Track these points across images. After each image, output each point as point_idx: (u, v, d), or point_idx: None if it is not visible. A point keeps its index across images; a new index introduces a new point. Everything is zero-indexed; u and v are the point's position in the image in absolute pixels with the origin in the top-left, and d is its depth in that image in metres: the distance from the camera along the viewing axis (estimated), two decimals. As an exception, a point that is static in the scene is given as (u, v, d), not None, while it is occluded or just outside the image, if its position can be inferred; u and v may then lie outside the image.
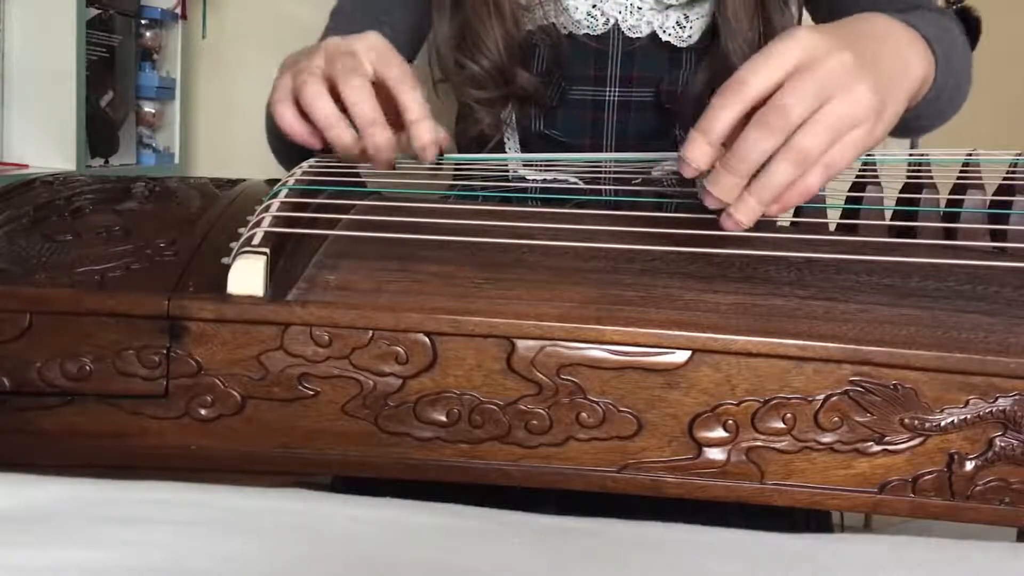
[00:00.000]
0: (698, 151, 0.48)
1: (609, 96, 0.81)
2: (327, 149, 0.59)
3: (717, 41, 0.79)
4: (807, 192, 0.48)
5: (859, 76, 0.47)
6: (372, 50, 0.59)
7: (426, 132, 0.57)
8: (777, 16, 0.80)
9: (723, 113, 0.47)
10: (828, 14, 0.83)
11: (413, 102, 0.57)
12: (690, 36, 0.80)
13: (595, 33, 0.80)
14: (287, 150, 0.64)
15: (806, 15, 0.87)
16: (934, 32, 0.59)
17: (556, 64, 0.80)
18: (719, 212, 0.49)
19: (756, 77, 0.47)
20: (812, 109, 0.46)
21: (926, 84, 0.58)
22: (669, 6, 0.80)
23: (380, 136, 0.56)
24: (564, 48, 0.80)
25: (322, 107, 0.56)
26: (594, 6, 0.80)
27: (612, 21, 0.80)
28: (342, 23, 0.85)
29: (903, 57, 0.54)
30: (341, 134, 0.56)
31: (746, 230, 0.49)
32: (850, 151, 0.48)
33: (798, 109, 0.46)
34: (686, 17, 0.80)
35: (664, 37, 0.80)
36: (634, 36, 0.80)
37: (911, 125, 0.65)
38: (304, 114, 0.58)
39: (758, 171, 0.47)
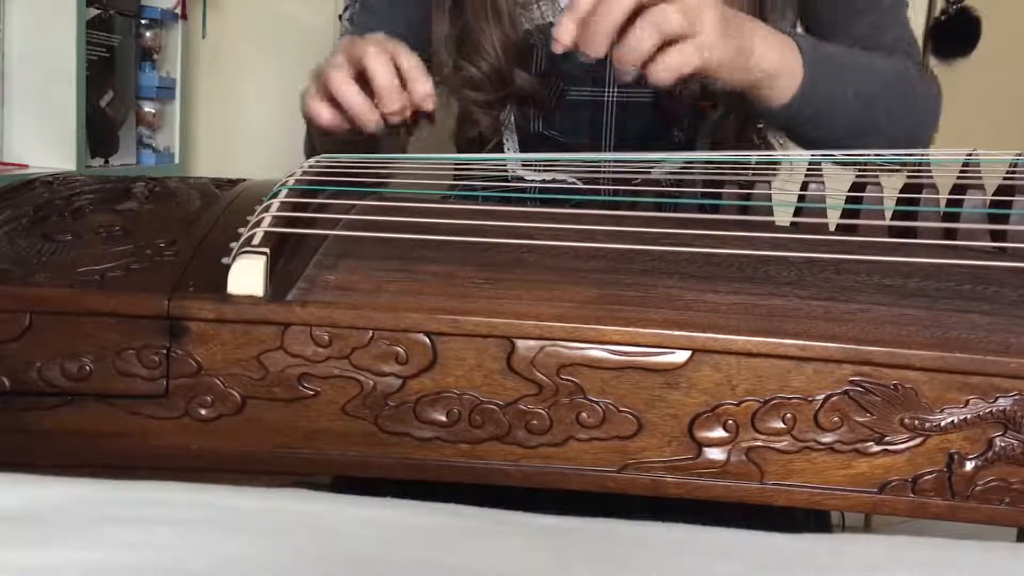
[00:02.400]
0: (565, 29, 0.58)
1: (607, 97, 0.81)
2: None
3: None
4: (666, 66, 0.58)
5: (710, 7, 0.58)
6: (383, 40, 0.67)
7: (423, 85, 0.66)
8: (774, 19, 0.80)
9: None
10: (818, 33, 0.83)
11: (410, 64, 0.66)
12: None
13: None
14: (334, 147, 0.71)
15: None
16: (821, 54, 0.68)
17: (554, 65, 0.80)
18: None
19: None
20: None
21: (781, 78, 0.66)
22: None
23: (396, 103, 0.64)
24: None
25: (347, 91, 0.64)
26: None
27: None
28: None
29: (751, 41, 0.63)
30: (366, 113, 0.65)
31: (746, 229, 0.49)
32: (700, 49, 0.58)
33: None
34: None
35: None
36: None
37: (794, 126, 0.72)
38: (335, 105, 0.66)
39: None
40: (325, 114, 0.66)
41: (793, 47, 0.66)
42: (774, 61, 0.65)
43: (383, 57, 0.64)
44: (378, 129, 0.65)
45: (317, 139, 0.76)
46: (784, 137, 0.84)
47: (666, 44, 0.58)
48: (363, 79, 0.65)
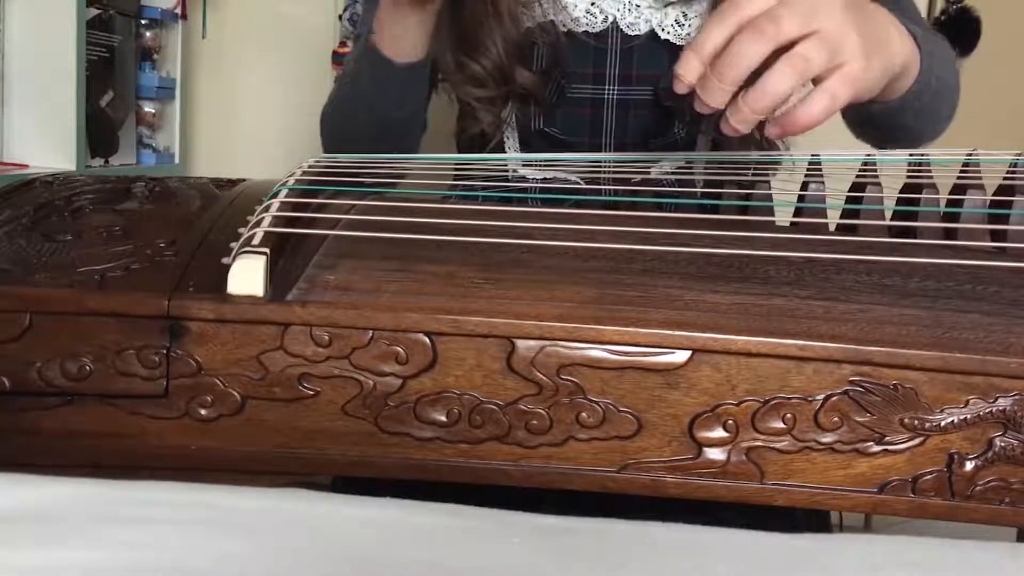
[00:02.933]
0: (690, 67, 0.50)
1: (608, 94, 0.81)
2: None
3: None
4: (810, 117, 0.49)
5: (846, 17, 0.50)
6: None
7: None
8: None
9: (716, 31, 0.49)
10: None
11: None
12: (689, 34, 0.80)
13: (594, 31, 0.80)
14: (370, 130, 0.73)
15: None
16: (920, 34, 0.61)
17: (555, 62, 0.80)
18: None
19: (748, 4, 0.49)
20: (804, 27, 0.48)
21: (909, 71, 0.60)
22: (668, 3, 0.80)
23: None
24: (563, 46, 0.80)
25: None
26: (592, 3, 0.80)
27: (611, 18, 0.80)
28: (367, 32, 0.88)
29: (887, 30, 0.56)
30: None
31: (746, 229, 0.49)
32: (848, 84, 0.50)
33: (789, 20, 0.48)
34: (685, 15, 0.80)
35: (663, 35, 0.80)
36: (633, 34, 0.80)
37: (894, 120, 0.67)
38: None
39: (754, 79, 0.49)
40: None
41: (909, 37, 0.60)
42: (905, 58, 0.59)
43: None
44: None
45: (379, 74, 0.78)
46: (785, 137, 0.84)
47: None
48: None
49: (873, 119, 0.71)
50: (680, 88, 0.50)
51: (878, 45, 0.54)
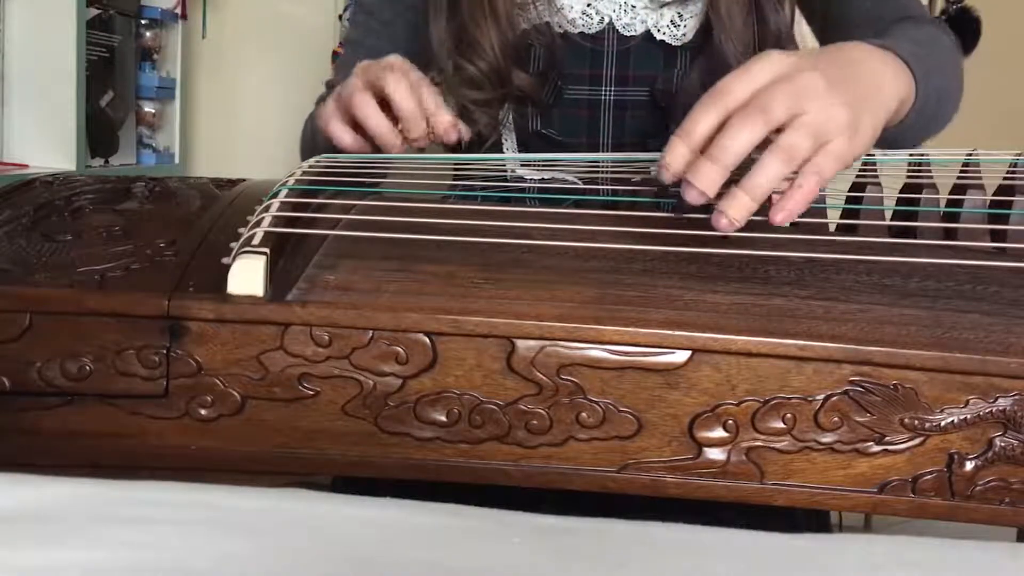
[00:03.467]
0: (677, 154, 0.50)
1: (605, 95, 0.81)
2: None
3: (711, 40, 0.79)
4: (804, 195, 0.50)
5: (831, 92, 0.50)
6: (400, 64, 0.67)
7: (445, 117, 0.66)
8: (771, 15, 0.80)
9: (703, 118, 0.50)
10: (822, 20, 0.83)
11: (430, 98, 0.66)
12: (684, 35, 0.80)
13: (590, 32, 0.80)
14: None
15: (799, 17, 0.87)
16: (911, 51, 0.61)
17: (552, 64, 0.80)
18: (710, 213, 0.50)
19: (736, 85, 0.50)
20: (790, 113, 0.49)
21: (906, 103, 0.61)
22: (663, 4, 0.80)
23: (418, 130, 0.65)
24: (559, 47, 0.80)
25: (373, 117, 0.65)
26: (588, 5, 0.80)
27: (607, 20, 0.80)
28: (360, 38, 0.87)
29: (876, 78, 0.57)
30: (391, 140, 0.65)
31: (745, 229, 0.49)
32: (833, 160, 0.50)
33: (776, 106, 0.49)
34: (680, 16, 0.80)
35: (659, 36, 0.80)
36: (629, 35, 0.80)
37: (899, 141, 0.67)
38: (355, 127, 0.67)
39: (746, 167, 0.49)
40: (347, 139, 0.67)
41: (903, 68, 0.60)
42: (899, 99, 0.59)
43: (404, 83, 0.65)
44: (400, 151, 0.66)
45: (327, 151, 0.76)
46: None
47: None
48: (383, 103, 0.65)
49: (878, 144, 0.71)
50: (666, 177, 0.51)
51: (867, 101, 0.54)
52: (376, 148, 0.67)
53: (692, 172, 0.49)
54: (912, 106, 0.62)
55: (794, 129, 0.49)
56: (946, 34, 0.75)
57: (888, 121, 0.59)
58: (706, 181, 0.49)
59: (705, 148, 0.50)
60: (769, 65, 0.50)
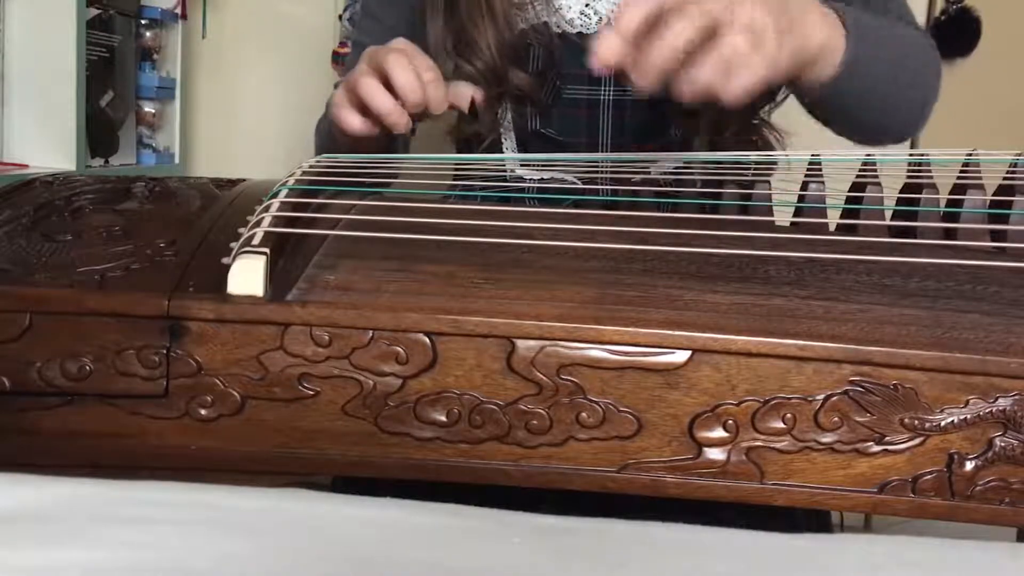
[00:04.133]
0: (608, 43, 0.53)
1: (604, 95, 0.81)
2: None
3: None
4: (737, 88, 0.54)
5: (769, 14, 0.54)
6: (403, 44, 0.70)
7: (439, 88, 0.69)
8: None
9: (634, 10, 0.53)
10: None
11: (428, 71, 0.69)
12: None
13: (588, 32, 0.80)
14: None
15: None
16: (861, 20, 0.65)
17: (550, 63, 0.80)
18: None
19: None
20: (723, 11, 0.53)
21: (829, 54, 0.63)
22: None
23: (417, 94, 0.67)
24: (558, 47, 0.80)
25: (378, 96, 0.67)
26: (587, 4, 0.80)
27: (605, 19, 0.80)
28: (366, 40, 0.88)
29: (803, 17, 0.60)
30: (397, 119, 0.68)
31: (746, 229, 0.49)
32: (764, 62, 0.54)
33: (711, 2, 0.53)
34: None
35: None
36: None
37: (838, 106, 0.70)
38: (362, 110, 0.69)
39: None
40: (356, 121, 0.69)
41: (835, 18, 0.64)
42: (824, 39, 0.62)
43: (403, 59, 0.67)
44: (407, 129, 0.69)
45: (344, 146, 0.76)
46: (782, 135, 0.84)
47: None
48: (389, 85, 0.67)
49: (816, 106, 0.73)
50: (595, 65, 0.54)
51: (792, 28, 0.57)
52: (384, 129, 0.69)
53: (633, 66, 0.53)
54: (843, 61, 0.64)
55: (734, 33, 0.53)
56: (925, 41, 0.77)
57: (811, 64, 0.62)
58: (644, 74, 0.53)
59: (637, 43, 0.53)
60: None
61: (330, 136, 0.80)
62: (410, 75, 0.67)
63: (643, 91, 0.54)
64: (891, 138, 0.79)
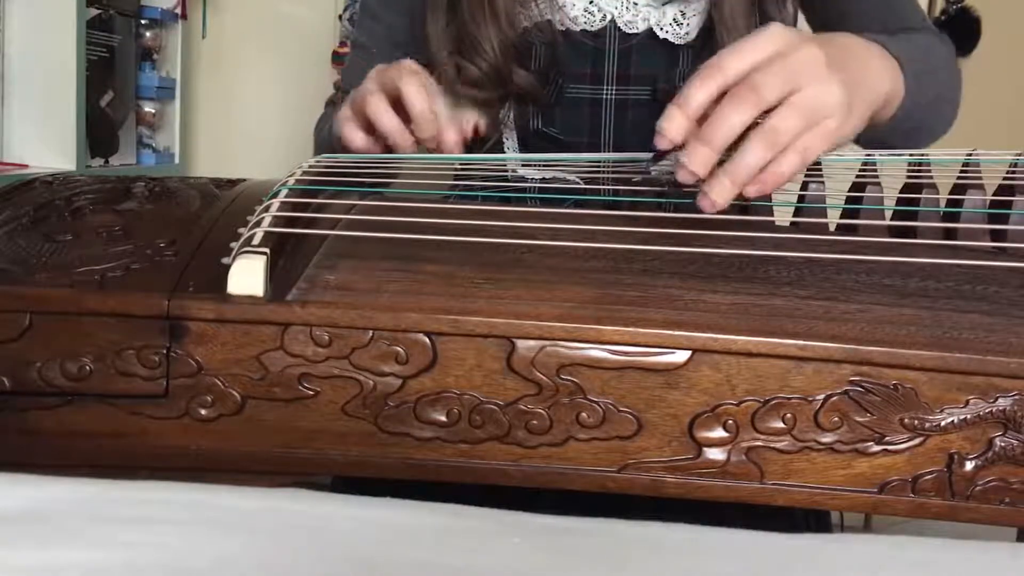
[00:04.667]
0: (674, 124, 0.51)
1: (606, 94, 0.81)
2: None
3: (714, 38, 0.79)
4: (781, 176, 0.51)
5: (828, 71, 0.51)
6: (414, 67, 0.69)
7: (451, 137, 0.69)
8: (775, 13, 0.80)
9: (700, 91, 0.51)
10: (822, 24, 0.83)
11: (442, 109, 0.69)
12: (687, 33, 0.80)
13: (592, 29, 0.80)
14: None
15: (802, 18, 0.87)
16: (906, 52, 0.63)
17: (553, 62, 0.80)
18: (695, 194, 0.51)
19: (732, 60, 0.51)
20: (783, 92, 0.50)
21: (894, 99, 0.62)
22: (666, 2, 0.80)
23: (429, 130, 0.67)
24: (561, 46, 0.80)
25: (385, 117, 0.66)
26: (591, 2, 0.80)
27: (609, 17, 0.80)
28: (365, 41, 0.90)
29: (870, 67, 0.58)
30: (401, 140, 0.67)
31: (745, 228, 0.49)
32: (821, 140, 0.51)
33: (769, 87, 0.49)
34: (683, 13, 0.80)
35: (661, 34, 0.80)
36: (631, 32, 0.80)
37: (886, 141, 0.68)
38: (368, 129, 0.68)
39: (731, 151, 0.50)
40: (359, 141, 0.69)
41: (894, 63, 0.62)
42: (888, 90, 0.60)
43: (417, 84, 0.66)
44: (412, 151, 0.68)
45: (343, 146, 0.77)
46: None
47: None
48: (397, 105, 0.67)
49: (866, 142, 0.72)
50: (662, 143, 0.52)
51: (860, 85, 0.55)
52: (388, 149, 0.68)
53: (686, 153, 0.50)
54: (900, 106, 0.63)
55: (784, 110, 0.50)
56: (945, 44, 0.77)
57: (875, 115, 0.60)
58: (698, 162, 0.50)
59: (701, 120, 0.51)
60: (768, 39, 0.51)
61: (330, 147, 0.79)
62: (424, 104, 0.66)
63: (687, 180, 0.51)
64: (921, 145, 0.79)
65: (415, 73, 0.68)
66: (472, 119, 0.74)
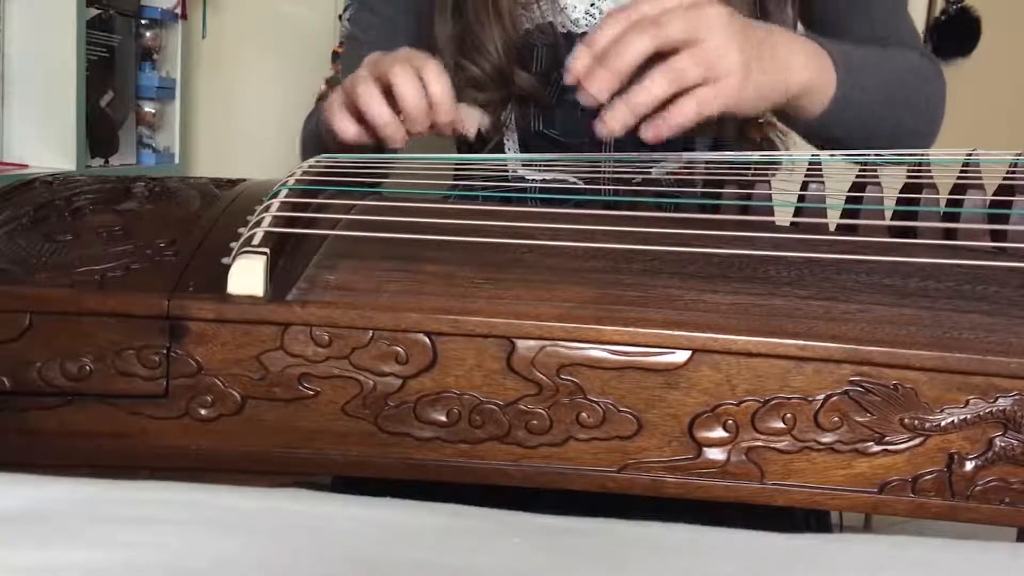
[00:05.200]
0: (580, 61, 0.54)
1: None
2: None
3: None
4: (677, 120, 0.53)
5: (730, 35, 0.54)
6: (410, 54, 0.67)
7: (446, 111, 0.65)
8: (776, 14, 0.80)
9: (608, 30, 0.54)
10: (820, 30, 0.83)
11: (439, 87, 0.64)
12: None
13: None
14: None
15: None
16: (846, 52, 0.66)
17: (554, 63, 0.80)
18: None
19: (644, 5, 0.54)
20: (686, 36, 0.53)
21: (817, 90, 0.64)
22: None
23: (423, 124, 0.64)
24: (562, 47, 0.80)
25: (375, 106, 0.63)
26: (592, 4, 0.80)
27: None
28: (360, 35, 0.88)
29: (786, 50, 0.61)
30: (394, 133, 0.64)
31: (745, 228, 0.49)
32: (719, 95, 0.54)
33: (672, 26, 0.53)
34: None
35: None
36: None
37: (833, 137, 0.70)
38: (359, 118, 0.65)
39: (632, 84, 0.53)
40: (351, 130, 0.66)
41: (825, 57, 0.64)
42: (808, 79, 0.63)
43: (410, 74, 0.63)
44: (403, 144, 0.66)
45: (332, 150, 0.76)
46: (785, 135, 0.84)
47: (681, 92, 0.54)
48: (389, 94, 0.64)
49: (805, 133, 0.74)
50: (569, 79, 0.55)
51: (763, 62, 0.57)
52: (378, 139, 0.66)
53: (587, 77, 0.53)
54: (833, 97, 0.65)
55: (686, 54, 0.52)
56: (928, 61, 0.79)
57: (794, 100, 0.63)
58: (597, 85, 0.53)
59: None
60: None
61: (318, 137, 0.78)
62: (416, 95, 0.63)
63: (589, 104, 0.54)
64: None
65: (408, 59, 0.65)
66: (473, 119, 0.72)
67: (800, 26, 0.86)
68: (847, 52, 0.67)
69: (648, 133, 0.54)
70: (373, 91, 0.64)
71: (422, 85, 0.63)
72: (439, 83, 0.64)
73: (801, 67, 0.62)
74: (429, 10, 0.84)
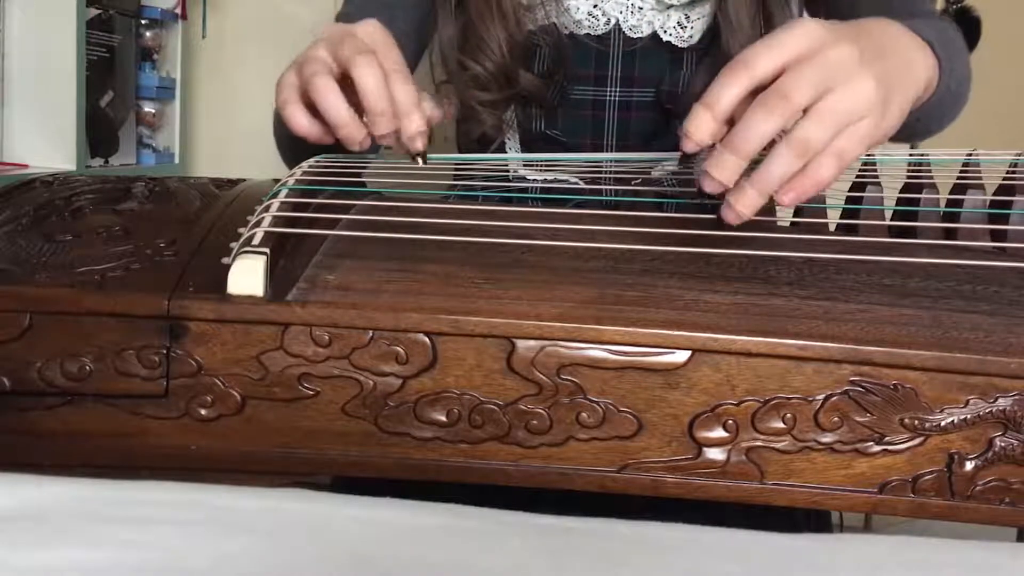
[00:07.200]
0: (702, 124, 0.48)
1: (610, 96, 0.81)
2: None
3: (718, 41, 0.79)
4: (819, 181, 0.48)
5: (862, 68, 0.48)
6: (371, 36, 0.59)
7: (412, 124, 0.58)
8: (779, 16, 0.80)
9: (728, 89, 0.47)
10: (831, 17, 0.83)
11: (405, 95, 0.57)
12: (691, 36, 0.80)
13: (596, 33, 0.80)
14: (300, 151, 0.64)
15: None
16: (936, 37, 0.59)
17: (557, 64, 0.80)
18: (719, 205, 0.49)
19: (760, 59, 0.47)
20: (813, 97, 0.47)
21: (930, 87, 0.58)
22: (670, 6, 0.80)
23: (387, 127, 0.57)
24: (565, 48, 0.80)
25: (334, 105, 0.56)
26: (595, 6, 0.80)
27: (613, 21, 0.80)
28: (355, 13, 0.83)
29: (907, 56, 0.55)
30: (353, 133, 0.57)
31: (745, 228, 0.49)
32: (857, 142, 0.48)
33: (800, 92, 0.46)
34: (687, 17, 0.80)
35: (665, 37, 0.80)
36: (635, 36, 0.80)
37: (914, 128, 0.65)
38: (314, 111, 0.57)
39: (758, 161, 0.48)
40: (303, 122, 0.58)
41: (929, 52, 0.58)
42: (928, 77, 0.57)
43: (373, 69, 0.56)
44: (364, 147, 0.58)
45: (287, 140, 0.70)
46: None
47: None
48: (348, 83, 0.56)
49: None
50: (688, 146, 0.49)
51: (899, 79, 0.52)
52: (335, 139, 0.59)
53: (712, 162, 0.48)
54: (933, 92, 0.59)
55: (813, 115, 0.47)
56: (955, 30, 0.75)
57: (916, 102, 0.56)
58: (724, 171, 0.47)
59: (728, 120, 0.48)
60: (799, 35, 0.47)
61: (281, 135, 0.73)
62: (381, 98, 0.56)
63: (713, 190, 0.48)
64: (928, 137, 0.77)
65: (371, 49, 0.57)
66: (432, 108, 0.62)
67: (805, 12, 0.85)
68: (940, 39, 0.60)
69: (785, 199, 0.48)
70: (330, 86, 0.56)
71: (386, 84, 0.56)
72: (403, 85, 0.57)
73: (921, 69, 0.56)
74: (427, 10, 0.83)
